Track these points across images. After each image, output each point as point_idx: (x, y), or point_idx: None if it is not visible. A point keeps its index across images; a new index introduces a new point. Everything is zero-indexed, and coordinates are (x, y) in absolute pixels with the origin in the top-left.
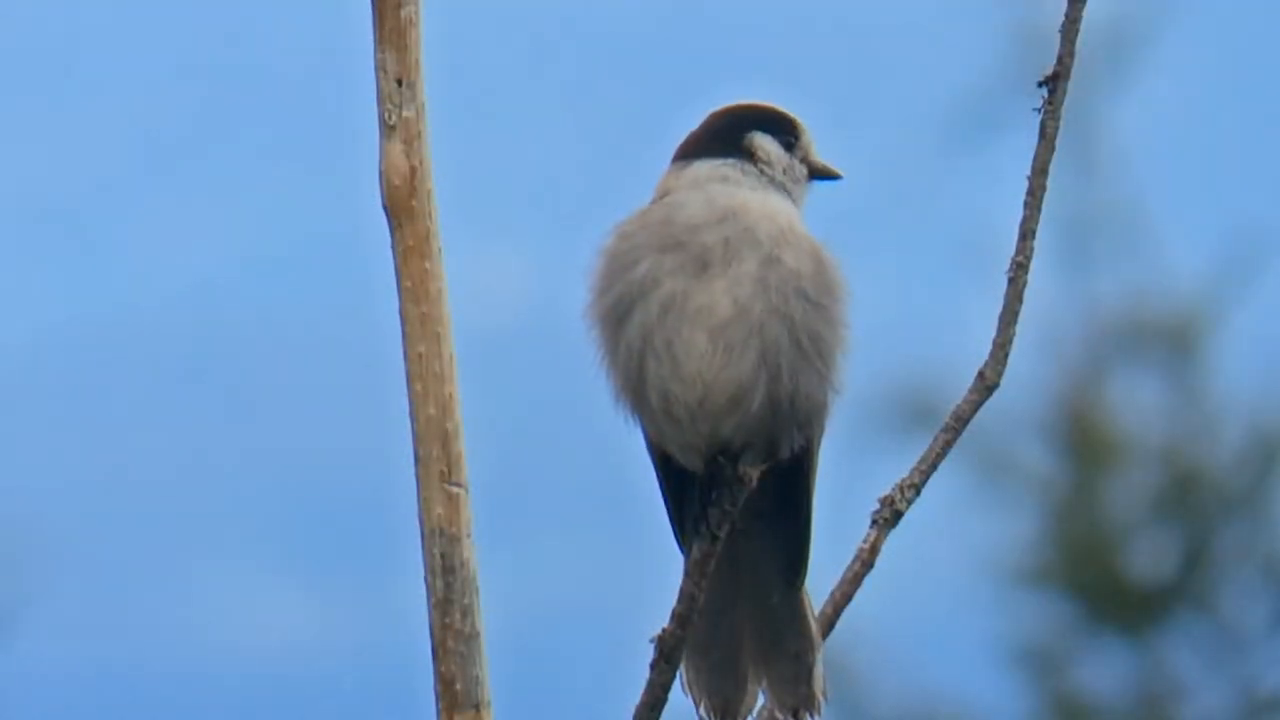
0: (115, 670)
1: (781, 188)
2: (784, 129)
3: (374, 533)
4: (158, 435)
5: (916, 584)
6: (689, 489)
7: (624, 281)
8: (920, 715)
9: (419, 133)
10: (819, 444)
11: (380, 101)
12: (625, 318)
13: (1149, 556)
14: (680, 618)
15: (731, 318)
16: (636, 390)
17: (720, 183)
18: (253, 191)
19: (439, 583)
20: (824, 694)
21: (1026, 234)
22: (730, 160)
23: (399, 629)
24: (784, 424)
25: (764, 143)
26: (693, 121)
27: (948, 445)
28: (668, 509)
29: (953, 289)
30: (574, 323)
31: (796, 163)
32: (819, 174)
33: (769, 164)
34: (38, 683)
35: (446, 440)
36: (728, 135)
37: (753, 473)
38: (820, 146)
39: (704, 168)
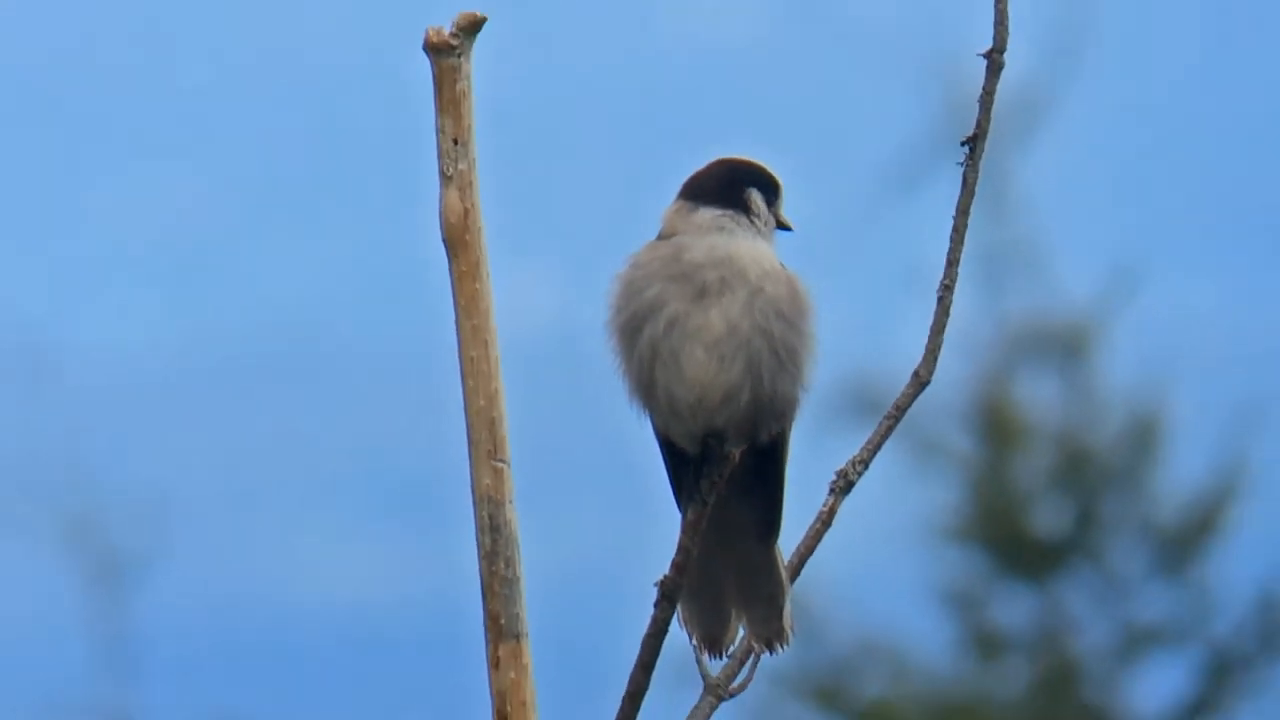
0: (233, 608)
1: (761, 235)
2: (771, 188)
3: (436, 500)
4: (268, 423)
5: (864, 540)
6: (686, 465)
7: (637, 302)
8: (866, 645)
9: (470, 182)
10: (791, 430)
11: (440, 157)
12: (638, 332)
13: (1048, 518)
14: (678, 567)
15: (724, 334)
16: (647, 391)
17: (718, 231)
18: (342, 230)
19: (487, 539)
20: (791, 629)
21: (952, 262)
22: (730, 211)
23: (456, 575)
24: (765, 417)
25: (757, 199)
26: (685, 172)
27: (889, 430)
28: (670, 481)
29: (894, 306)
30: (595, 334)
31: (771, 215)
32: (779, 225)
33: (758, 216)
34: (172, 614)
35: (492, 426)
36: (729, 188)
37: (736, 452)
38: (791, 193)
39: (708, 215)
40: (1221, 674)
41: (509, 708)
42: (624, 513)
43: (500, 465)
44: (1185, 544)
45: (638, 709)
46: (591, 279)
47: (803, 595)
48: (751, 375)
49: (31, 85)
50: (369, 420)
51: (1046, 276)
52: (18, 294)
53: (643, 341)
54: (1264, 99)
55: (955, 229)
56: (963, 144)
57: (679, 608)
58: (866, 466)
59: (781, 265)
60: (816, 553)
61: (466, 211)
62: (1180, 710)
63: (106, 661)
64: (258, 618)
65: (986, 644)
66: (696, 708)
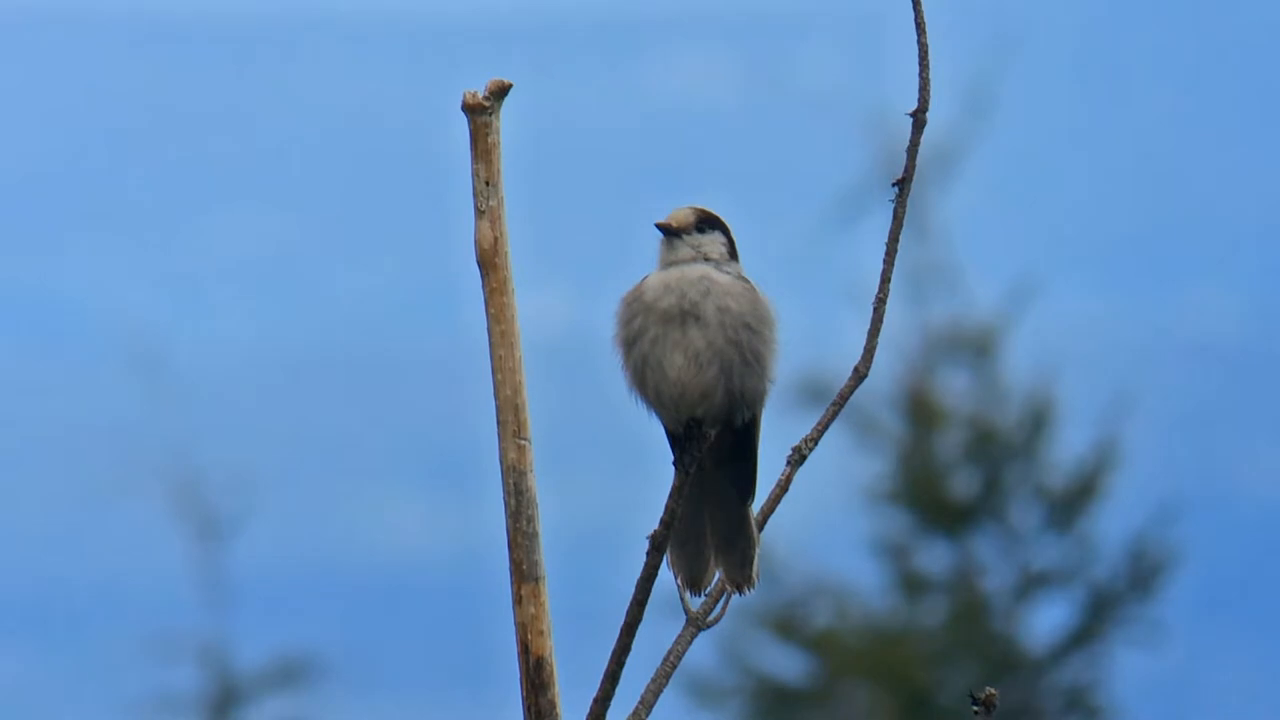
0: (310, 558)
1: (700, 257)
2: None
3: (471, 469)
4: (337, 407)
5: (815, 502)
6: (676, 442)
7: (631, 327)
8: (816, 586)
9: (499, 215)
10: (761, 416)
11: (475, 196)
12: (633, 345)
13: (961, 484)
14: (665, 524)
15: (703, 347)
16: (641, 387)
17: (671, 266)
18: (395, 253)
19: (512, 501)
20: (757, 576)
21: (885, 279)
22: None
23: (487, 530)
24: (736, 407)
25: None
26: (672, 208)
27: (835, 414)
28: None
29: (839, 314)
30: (600, 336)
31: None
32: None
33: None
34: (260, 563)
35: (517, 410)
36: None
37: (711, 432)
38: (757, 228)
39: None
40: (1099, 609)
41: (529, 635)
42: (622, 480)
43: (523, 442)
44: (1071, 505)
45: (633, 637)
46: (594, 293)
47: (764, 545)
48: (724, 377)
49: (155, 138)
50: (417, 406)
51: (960, 290)
52: (137, 302)
53: (636, 352)
54: (1130, 149)
55: (887, 253)
56: (893, 185)
57: (667, 555)
58: (816, 444)
59: (738, 277)
60: (776, 511)
61: (496, 239)
62: (1066, 638)
63: (207, 601)
64: (329, 565)
65: (912, 585)
66: (680, 636)
